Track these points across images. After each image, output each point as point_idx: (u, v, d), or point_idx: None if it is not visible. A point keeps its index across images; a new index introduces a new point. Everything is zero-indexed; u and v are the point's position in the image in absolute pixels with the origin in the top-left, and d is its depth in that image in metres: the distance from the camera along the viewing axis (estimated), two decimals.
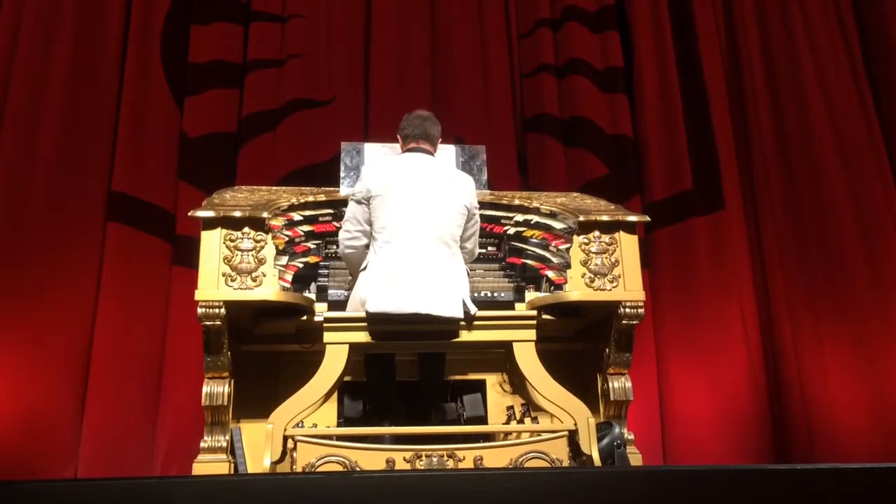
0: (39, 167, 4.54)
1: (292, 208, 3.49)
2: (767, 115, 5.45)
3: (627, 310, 3.30)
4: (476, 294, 3.35)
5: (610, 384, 3.44)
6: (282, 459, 2.74)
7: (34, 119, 4.63)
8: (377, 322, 2.89)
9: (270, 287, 3.13)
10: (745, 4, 5.74)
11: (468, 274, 3.18)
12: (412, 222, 2.98)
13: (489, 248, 3.73)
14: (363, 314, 2.89)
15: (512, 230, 3.73)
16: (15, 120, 4.59)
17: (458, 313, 2.88)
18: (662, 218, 5.09)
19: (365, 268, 3.02)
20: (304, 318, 3.29)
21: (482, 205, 3.43)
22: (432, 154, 3.25)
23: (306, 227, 3.52)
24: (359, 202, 3.10)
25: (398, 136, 3.32)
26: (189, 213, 3.18)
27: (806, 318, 4.94)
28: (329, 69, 5.17)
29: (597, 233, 3.43)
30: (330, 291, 3.37)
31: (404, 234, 2.97)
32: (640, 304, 3.30)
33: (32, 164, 4.54)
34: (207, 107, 4.94)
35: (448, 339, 2.95)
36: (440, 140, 3.34)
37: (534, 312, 3.09)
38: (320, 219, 3.61)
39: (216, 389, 3.20)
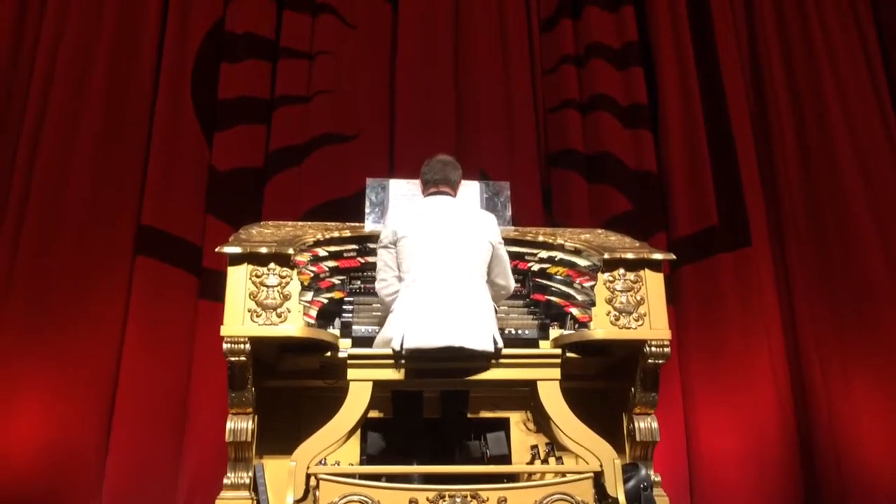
0: (71, 200, 4.64)
1: (317, 244, 3.51)
2: (793, 151, 5.42)
3: (653, 349, 3.26)
4: (501, 331, 3.32)
5: (636, 424, 3.39)
6: (304, 497, 2.72)
7: (67, 153, 4.74)
8: (409, 359, 2.88)
9: (295, 323, 3.14)
10: (770, 41, 5.75)
11: (496, 310, 3.18)
12: (437, 260, 3.01)
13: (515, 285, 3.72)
14: (388, 351, 2.89)
15: (536, 267, 3.73)
16: (49, 154, 4.71)
17: (489, 346, 2.88)
18: (688, 254, 5.05)
19: (393, 309, 3.04)
20: (328, 354, 3.29)
21: (506, 241, 3.42)
22: (453, 196, 3.30)
23: (331, 263, 3.54)
24: (386, 247, 3.16)
25: (420, 181, 3.35)
26: (216, 249, 3.22)
27: (835, 355, 4.85)
28: (355, 105, 5.24)
29: (622, 270, 3.41)
30: (354, 327, 3.37)
31: (430, 272, 2.99)
32: (666, 343, 3.26)
33: (64, 197, 4.64)
34: (235, 142, 5.02)
35: (474, 376, 2.94)
36: (461, 182, 3.37)
37: (558, 351, 3.07)
38: (345, 254, 3.64)
39: (240, 425, 3.20)
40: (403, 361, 2.88)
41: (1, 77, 4.86)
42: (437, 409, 3.38)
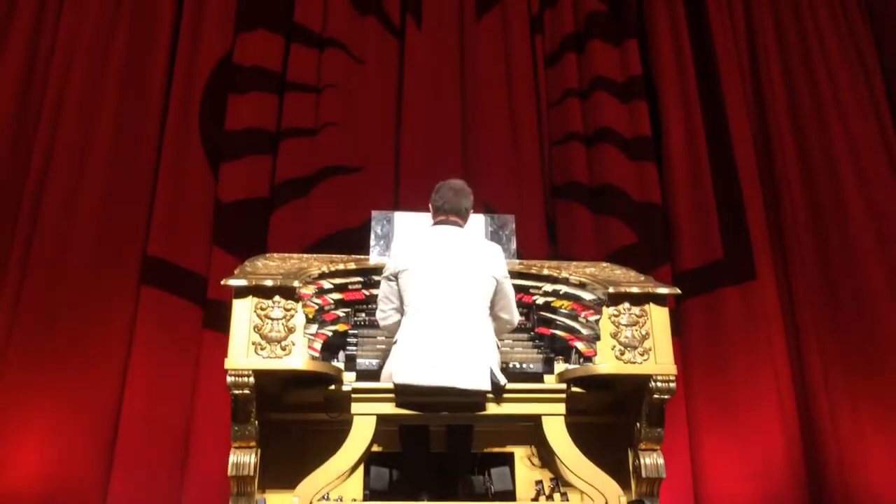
0: (79, 231, 4.69)
1: (322, 276, 3.52)
2: (798, 183, 5.44)
3: (659, 384, 3.23)
4: (505, 365, 3.32)
5: (641, 460, 3.35)
6: None
7: (75, 184, 4.80)
8: (405, 394, 2.87)
9: (299, 356, 3.13)
10: (773, 72, 5.82)
11: (498, 345, 3.17)
12: (439, 294, 3.01)
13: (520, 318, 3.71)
14: (391, 385, 2.88)
15: (541, 300, 3.72)
16: (57, 185, 4.76)
17: (485, 385, 2.87)
18: (693, 287, 5.05)
19: (396, 341, 3.03)
20: (333, 387, 3.28)
21: (511, 274, 3.42)
22: (461, 226, 3.28)
23: (336, 296, 3.55)
24: (388, 279, 3.17)
25: (430, 206, 3.35)
26: (222, 282, 3.22)
27: (843, 391, 4.83)
28: (361, 137, 5.28)
29: (627, 304, 3.39)
30: (358, 360, 3.37)
31: (432, 306, 2.99)
32: (672, 378, 3.24)
33: (72, 228, 4.69)
34: (242, 173, 5.06)
35: (476, 412, 2.92)
36: (470, 211, 3.37)
37: (563, 386, 3.05)
38: (350, 287, 3.64)
39: (243, 459, 3.17)
40: (404, 396, 2.87)
41: (12, 107, 4.92)
42: (441, 444, 3.36)
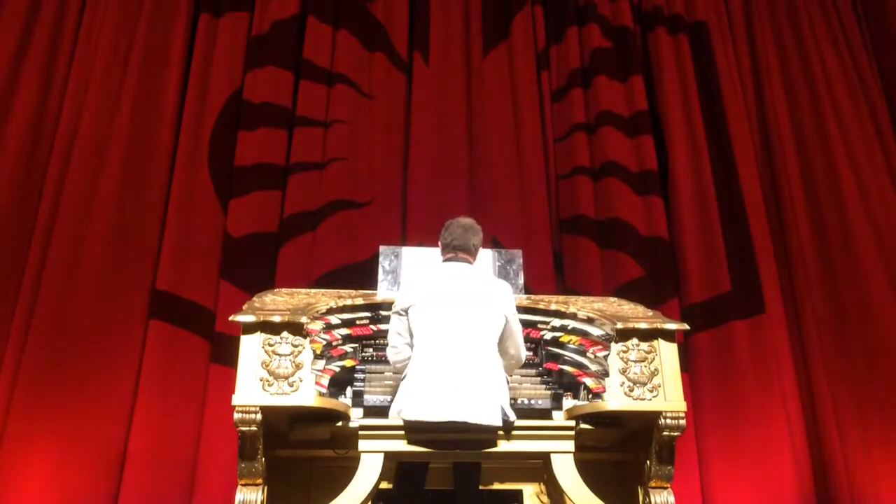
0: (88, 264, 4.72)
1: (330, 311, 3.52)
2: (804, 215, 5.46)
3: (668, 421, 3.20)
4: (513, 401, 3.30)
5: (652, 498, 3.30)
6: None
7: (86, 217, 4.84)
8: (413, 430, 2.86)
9: (307, 392, 3.11)
10: (778, 106, 5.88)
11: (508, 380, 3.15)
12: (447, 331, 3.01)
13: (528, 354, 3.70)
14: (399, 422, 2.87)
15: (549, 335, 3.71)
16: (67, 220, 4.81)
17: (496, 421, 2.86)
18: (702, 321, 5.03)
19: (405, 376, 3.03)
20: (340, 423, 3.26)
21: (519, 309, 3.42)
22: (471, 262, 3.30)
23: (344, 331, 3.54)
24: (398, 314, 3.18)
25: (439, 243, 3.37)
26: (230, 318, 3.22)
27: (854, 423, 4.79)
28: (369, 171, 5.32)
29: (635, 340, 3.37)
30: (366, 396, 3.35)
31: (440, 343, 2.99)
32: (682, 414, 3.21)
33: (82, 261, 4.72)
34: (250, 207, 5.09)
35: (485, 448, 2.90)
36: (479, 247, 3.38)
37: (572, 423, 3.04)
38: (357, 322, 3.64)
39: (249, 497, 3.14)
40: (413, 433, 2.85)
41: (24, 145, 4.98)
42: (449, 480, 3.32)
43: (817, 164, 5.64)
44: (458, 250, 3.29)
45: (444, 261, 3.31)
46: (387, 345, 3.27)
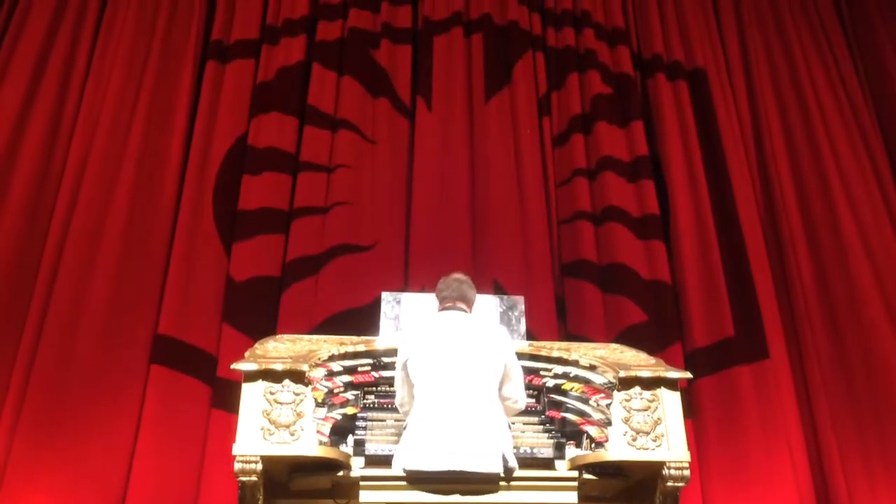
0: (91, 308, 4.73)
1: (332, 358, 3.51)
2: (807, 260, 5.48)
3: (672, 471, 3.17)
4: (516, 449, 3.27)
5: None
6: None
7: (90, 262, 4.88)
8: (415, 480, 2.83)
9: (308, 442, 3.09)
10: (778, 151, 5.92)
11: (509, 426, 3.14)
12: (448, 379, 3.01)
13: (528, 400, 3.68)
14: (400, 472, 2.85)
15: (551, 383, 3.69)
16: (72, 261, 4.85)
17: (496, 468, 2.84)
18: (705, 366, 5.01)
19: (405, 426, 3.02)
20: (341, 473, 3.23)
21: (520, 356, 3.41)
22: (468, 312, 3.32)
23: (345, 378, 3.53)
24: (401, 367, 3.19)
25: (436, 297, 3.39)
26: (232, 366, 3.22)
27: (860, 468, 4.75)
28: (372, 215, 5.35)
29: (638, 388, 3.35)
30: (367, 446, 3.32)
31: (440, 391, 2.98)
32: (685, 465, 3.18)
33: (85, 305, 4.74)
34: (254, 252, 5.11)
35: (487, 496, 2.87)
36: (476, 299, 3.40)
37: (575, 474, 3.02)
38: (359, 369, 3.63)
39: None
40: (414, 483, 2.83)
41: (30, 189, 5.05)
42: None
43: (817, 208, 5.67)
44: (456, 300, 3.33)
45: (441, 310, 3.33)
46: (388, 392, 3.27)
